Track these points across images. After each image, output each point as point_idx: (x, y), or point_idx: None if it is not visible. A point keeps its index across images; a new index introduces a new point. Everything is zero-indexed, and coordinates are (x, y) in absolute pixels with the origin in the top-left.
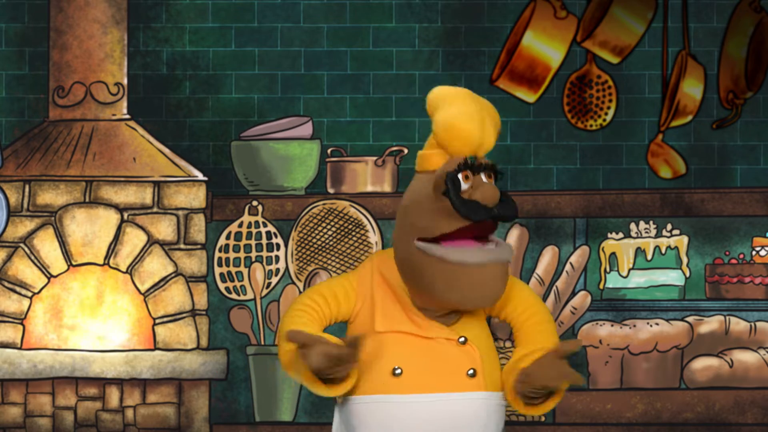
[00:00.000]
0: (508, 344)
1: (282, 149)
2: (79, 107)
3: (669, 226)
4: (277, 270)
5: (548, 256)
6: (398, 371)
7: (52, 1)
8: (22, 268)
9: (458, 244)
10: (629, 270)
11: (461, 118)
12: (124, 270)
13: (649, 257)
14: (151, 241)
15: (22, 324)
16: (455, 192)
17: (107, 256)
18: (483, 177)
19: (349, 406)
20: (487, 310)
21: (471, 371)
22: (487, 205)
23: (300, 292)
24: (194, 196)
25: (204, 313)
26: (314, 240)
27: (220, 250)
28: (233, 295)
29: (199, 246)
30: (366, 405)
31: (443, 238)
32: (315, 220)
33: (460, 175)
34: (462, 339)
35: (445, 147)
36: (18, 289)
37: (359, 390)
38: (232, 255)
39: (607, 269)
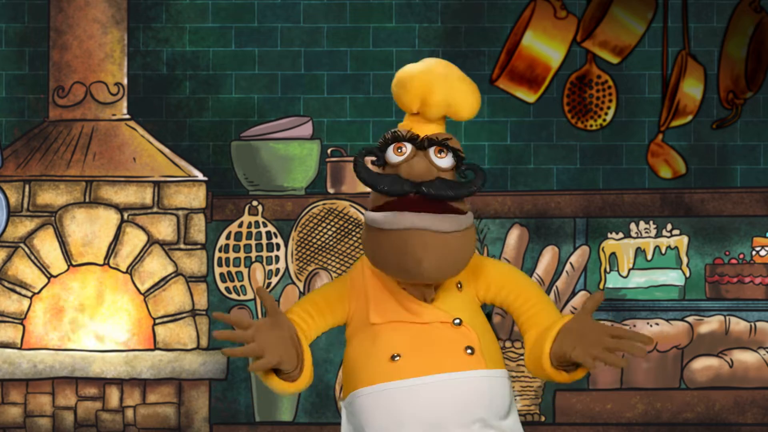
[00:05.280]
0: (508, 344)
1: (282, 149)
2: (79, 107)
3: (669, 226)
4: (277, 270)
5: (548, 256)
6: (397, 357)
7: (52, 1)
8: (22, 268)
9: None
10: (629, 270)
11: (409, 70)
12: (124, 270)
13: (649, 257)
14: (151, 241)
15: (22, 324)
16: (362, 166)
17: (107, 256)
18: (432, 153)
19: (353, 401)
20: (480, 296)
21: (469, 349)
22: (409, 180)
23: (300, 293)
24: (194, 196)
25: (204, 313)
26: (314, 240)
27: (220, 250)
28: (233, 295)
29: (199, 246)
30: (369, 396)
31: (395, 206)
32: (315, 220)
33: (391, 148)
34: (457, 321)
35: (396, 100)
36: (18, 289)
37: (361, 383)
38: (232, 255)
39: (607, 269)
